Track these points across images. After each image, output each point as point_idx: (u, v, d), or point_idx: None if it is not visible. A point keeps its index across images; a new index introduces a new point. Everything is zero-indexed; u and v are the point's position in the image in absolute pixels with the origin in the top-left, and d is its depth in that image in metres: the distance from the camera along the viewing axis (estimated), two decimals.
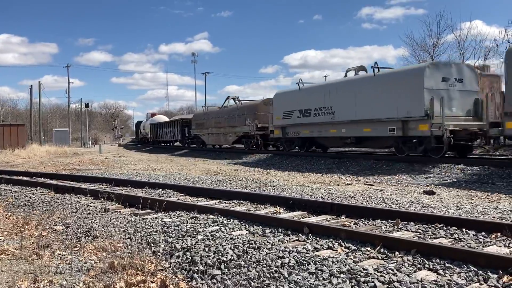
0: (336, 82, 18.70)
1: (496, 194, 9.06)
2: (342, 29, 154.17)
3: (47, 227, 6.31)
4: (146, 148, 44.15)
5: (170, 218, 6.58)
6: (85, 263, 4.64)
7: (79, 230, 6.02)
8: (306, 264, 4.12)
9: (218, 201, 8.21)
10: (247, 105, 26.73)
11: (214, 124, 29.32)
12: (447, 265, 4.00)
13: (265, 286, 3.74)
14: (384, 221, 5.98)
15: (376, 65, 15.89)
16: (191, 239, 5.21)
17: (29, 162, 24.21)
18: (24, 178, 13.61)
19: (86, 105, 61.63)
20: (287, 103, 20.52)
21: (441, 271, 3.89)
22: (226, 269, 4.17)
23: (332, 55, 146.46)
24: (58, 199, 8.93)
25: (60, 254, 5.01)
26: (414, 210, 7.02)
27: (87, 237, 5.68)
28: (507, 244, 4.77)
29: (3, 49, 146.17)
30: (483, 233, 5.17)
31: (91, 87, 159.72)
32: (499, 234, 5.08)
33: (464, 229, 5.34)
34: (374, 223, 5.97)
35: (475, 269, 3.85)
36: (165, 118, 49.31)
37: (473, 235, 5.16)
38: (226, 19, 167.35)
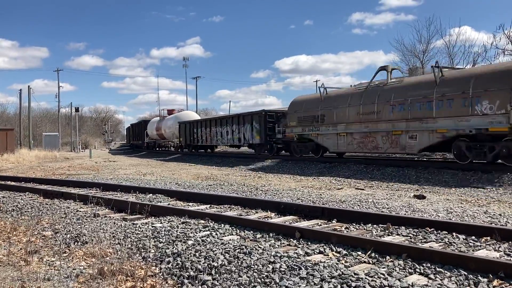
0: None
1: (486, 198, 9.13)
2: (333, 34, 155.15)
3: (36, 233, 6.23)
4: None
5: (161, 223, 6.53)
6: (74, 269, 4.59)
7: (68, 235, 5.95)
8: (297, 269, 4.11)
9: (209, 206, 8.17)
10: (480, 72, 13.33)
11: (354, 116, 16.71)
12: (437, 269, 4.01)
13: None
14: (375, 226, 5.99)
15: None
16: (181, 244, 5.17)
17: (18, 167, 23.95)
18: (12, 183, 13.45)
19: (76, 110, 61.24)
20: None
21: (432, 276, 3.90)
22: (217, 275, 4.14)
23: (323, 60, 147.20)
24: (47, 204, 8.84)
25: (48, 260, 4.95)
26: (405, 214, 7.04)
27: (76, 243, 5.61)
28: (497, 248, 4.79)
29: None
30: (473, 237, 5.20)
31: (82, 91, 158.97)
32: (488, 238, 5.11)
33: (454, 233, 5.36)
34: (365, 228, 5.97)
35: (466, 273, 3.86)
36: (196, 115, 37.59)
37: (463, 239, 5.19)
38: (218, 24, 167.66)
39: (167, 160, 28.48)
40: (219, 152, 31.89)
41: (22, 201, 9.27)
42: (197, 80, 72.32)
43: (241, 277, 4.02)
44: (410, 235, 5.47)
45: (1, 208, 8.60)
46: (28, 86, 50.87)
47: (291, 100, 21.36)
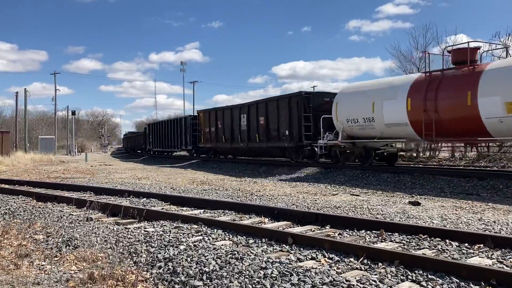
0: None
1: (481, 205, 9.13)
2: (331, 41, 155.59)
3: (27, 236, 6.18)
4: None
5: (153, 227, 6.49)
6: (64, 273, 4.54)
7: (60, 239, 5.90)
8: (289, 275, 4.08)
9: (202, 210, 8.13)
10: None
11: None
12: (429, 276, 3.99)
13: None
14: (368, 232, 5.97)
15: None
16: (173, 249, 5.14)
17: (12, 170, 23.82)
18: (6, 186, 13.37)
19: (73, 113, 61.07)
20: None
21: (423, 283, 3.88)
22: (208, 280, 4.11)
23: (321, 66, 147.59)
24: (40, 207, 8.78)
25: (39, 264, 4.90)
26: (399, 221, 7.03)
27: (68, 247, 5.57)
28: (489, 256, 4.78)
29: None
30: (466, 244, 5.18)
31: (80, 95, 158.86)
32: (482, 245, 5.10)
33: (447, 240, 5.34)
34: (359, 234, 5.95)
35: (458, 281, 3.85)
36: None
37: (457, 246, 5.17)
38: (217, 30, 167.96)
39: None
40: None
41: (15, 204, 9.21)
42: (194, 84, 72.39)
43: (232, 282, 3.99)
44: (403, 241, 5.46)
45: None
46: (25, 89, 50.63)
47: None
